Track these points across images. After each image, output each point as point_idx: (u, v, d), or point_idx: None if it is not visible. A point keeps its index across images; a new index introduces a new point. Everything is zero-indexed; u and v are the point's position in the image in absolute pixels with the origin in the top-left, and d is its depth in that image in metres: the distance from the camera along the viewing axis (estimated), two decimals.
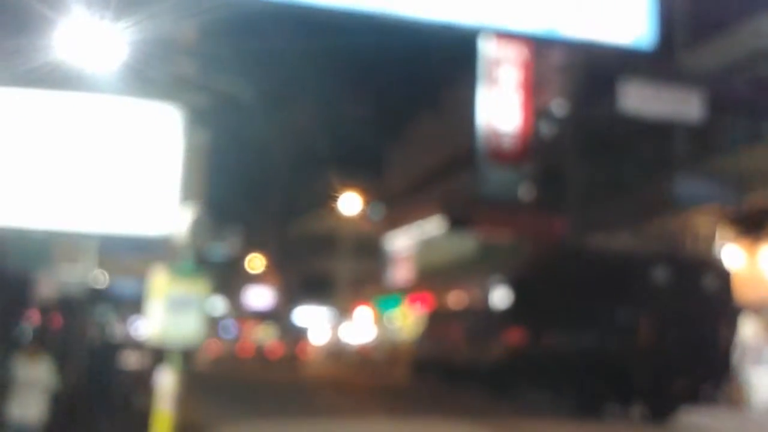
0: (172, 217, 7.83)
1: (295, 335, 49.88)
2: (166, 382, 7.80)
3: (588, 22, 11.71)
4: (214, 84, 12.66)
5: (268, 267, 54.79)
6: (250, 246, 49.95)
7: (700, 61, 18.51)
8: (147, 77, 9.17)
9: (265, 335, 50.69)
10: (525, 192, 26.02)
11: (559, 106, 25.51)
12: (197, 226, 7.80)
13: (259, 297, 56.67)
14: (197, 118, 10.98)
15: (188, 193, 8.68)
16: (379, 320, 41.86)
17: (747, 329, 16.41)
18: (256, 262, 54.34)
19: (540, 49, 24.58)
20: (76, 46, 8.50)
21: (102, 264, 14.43)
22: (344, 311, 47.68)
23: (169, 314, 7.68)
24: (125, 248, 12.75)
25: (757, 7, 17.37)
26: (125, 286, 19.16)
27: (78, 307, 13.34)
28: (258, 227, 52.24)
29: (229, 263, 41.33)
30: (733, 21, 17.87)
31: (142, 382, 11.65)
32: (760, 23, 17.32)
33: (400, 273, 40.93)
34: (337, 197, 39.59)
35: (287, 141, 49.26)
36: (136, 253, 12.87)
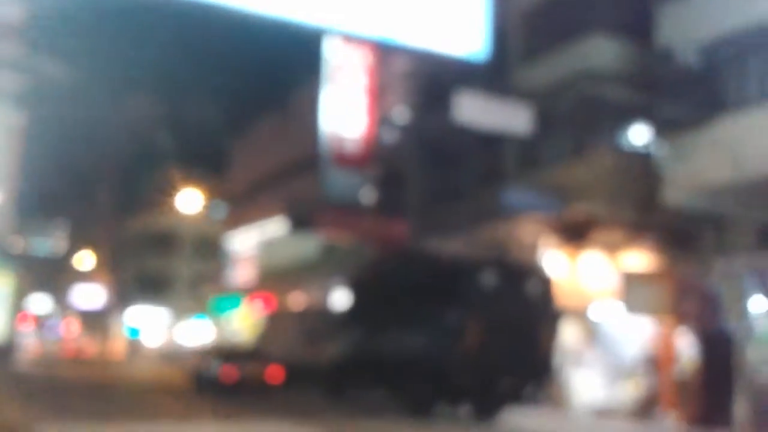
0: None
1: (103, 333, 48.18)
2: None
3: (425, 31, 12.01)
4: (41, 67, 11.83)
5: (99, 264, 52.30)
6: (81, 242, 47.55)
7: (530, 77, 19.38)
8: None
9: (80, 334, 48.65)
10: (367, 196, 26.31)
11: (401, 114, 25.99)
12: (1, 215, 7.18)
13: (88, 296, 53.93)
14: (12, 99, 10.20)
15: None
16: (217, 321, 41.00)
17: (568, 333, 17.29)
18: (85, 259, 51.71)
19: (385, 56, 24.96)
20: None
21: None
22: (181, 312, 46.36)
23: None
24: None
25: (584, 28, 18.37)
26: None
27: None
28: (90, 222, 49.78)
29: (56, 259, 39.14)
30: (562, 39, 18.83)
31: None
32: (585, 44, 18.33)
33: (242, 273, 40.29)
34: (177, 194, 38.44)
35: (125, 132, 47.25)
36: None
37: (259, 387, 18.62)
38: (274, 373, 18.09)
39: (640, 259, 17.73)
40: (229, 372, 18.42)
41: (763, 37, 14.29)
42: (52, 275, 49.89)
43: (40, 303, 53.97)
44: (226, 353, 21.56)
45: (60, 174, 39.02)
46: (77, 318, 54.87)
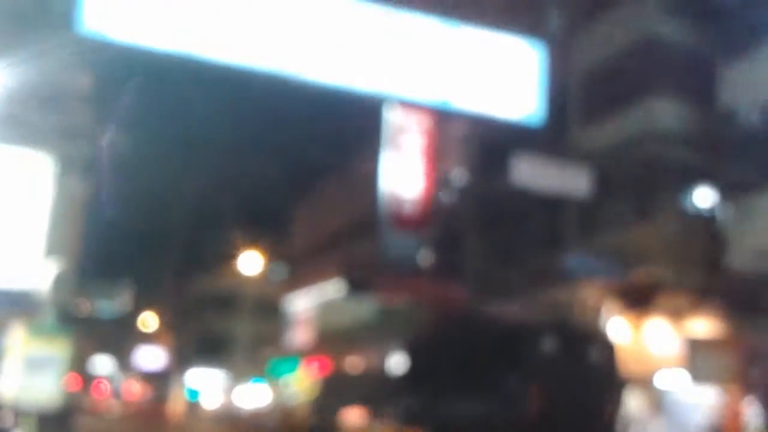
0: (35, 270, 7.35)
1: (164, 394, 48.53)
2: None
3: (481, 96, 12.07)
4: (105, 133, 12.21)
5: (161, 326, 52.97)
6: (145, 304, 48.26)
7: (591, 139, 19.25)
8: (22, 123, 8.69)
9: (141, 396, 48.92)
10: (424, 258, 26.20)
11: (459, 176, 26.01)
12: (61, 281, 7.32)
13: (150, 357, 54.56)
14: (76, 168, 10.55)
15: (58, 245, 8.20)
16: (275, 384, 40.93)
17: (632, 402, 16.71)
18: (148, 321, 52.50)
19: (443, 119, 25.14)
20: None
21: None
22: (240, 374, 46.46)
23: (24, 374, 7.11)
24: None
25: (646, 88, 18.26)
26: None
27: None
28: (154, 284, 50.62)
29: (119, 321, 39.73)
30: (623, 102, 18.72)
31: None
32: (647, 106, 18.17)
33: (300, 335, 40.30)
34: (238, 256, 38.90)
35: (188, 196, 48.35)
36: (6, 306, 12.09)
37: None
38: None
39: (706, 325, 17.16)
40: None
41: None
42: (116, 337, 50.68)
43: (102, 364, 54.80)
44: None
45: (124, 238, 39.94)
46: (139, 379, 55.45)
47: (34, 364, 7.09)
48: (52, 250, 7.61)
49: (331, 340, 34.51)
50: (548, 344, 14.85)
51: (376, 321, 30.28)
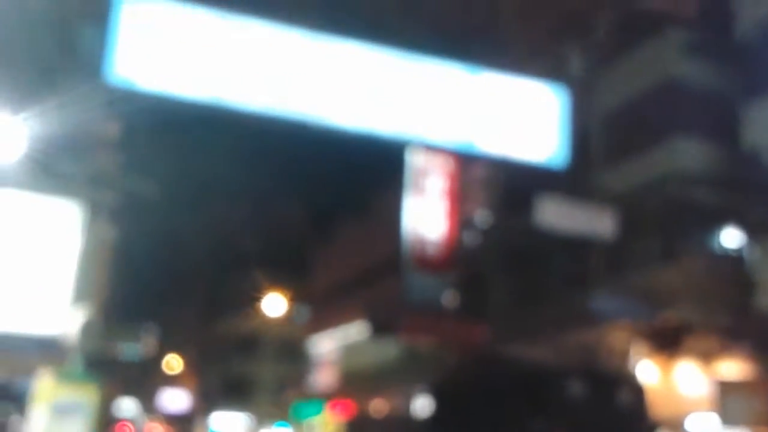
0: (63, 316, 7.43)
1: None
2: None
3: (504, 138, 12.15)
4: (131, 180, 12.39)
5: (186, 368, 53.02)
6: (169, 346, 48.40)
7: (615, 180, 19.20)
8: (52, 171, 8.84)
9: None
10: (448, 299, 26.08)
11: (482, 217, 26.00)
12: (89, 328, 7.38)
13: (175, 400, 54.53)
14: (104, 215, 10.69)
15: (86, 291, 8.28)
16: (299, 427, 40.63)
17: None
18: (173, 363, 52.58)
19: (466, 160, 25.25)
20: None
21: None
22: (263, 417, 46.18)
23: (52, 421, 7.13)
24: (22, 345, 12.08)
25: (669, 129, 18.25)
26: (29, 384, 18.13)
27: None
28: (178, 327, 50.80)
29: (144, 363, 39.83)
30: (646, 143, 18.70)
31: None
32: (671, 146, 18.14)
33: (323, 378, 40.08)
34: (262, 298, 38.96)
35: (212, 240, 48.75)
36: (35, 351, 12.20)
37: None
38: None
39: (736, 367, 16.87)
40: None
41: None
42: (140, 379, 50.79)
43: (126, 407, 54.81)
44: None
45: (150, 281, 40.23)
46: (163, 422, 55.34)
47: (61, 411, 7.12)
48: (79, 296, 7.70)
49: (355, 382, 34.28)
50: (575, 387, 14.65)
51: (400, 363, 30.06)
